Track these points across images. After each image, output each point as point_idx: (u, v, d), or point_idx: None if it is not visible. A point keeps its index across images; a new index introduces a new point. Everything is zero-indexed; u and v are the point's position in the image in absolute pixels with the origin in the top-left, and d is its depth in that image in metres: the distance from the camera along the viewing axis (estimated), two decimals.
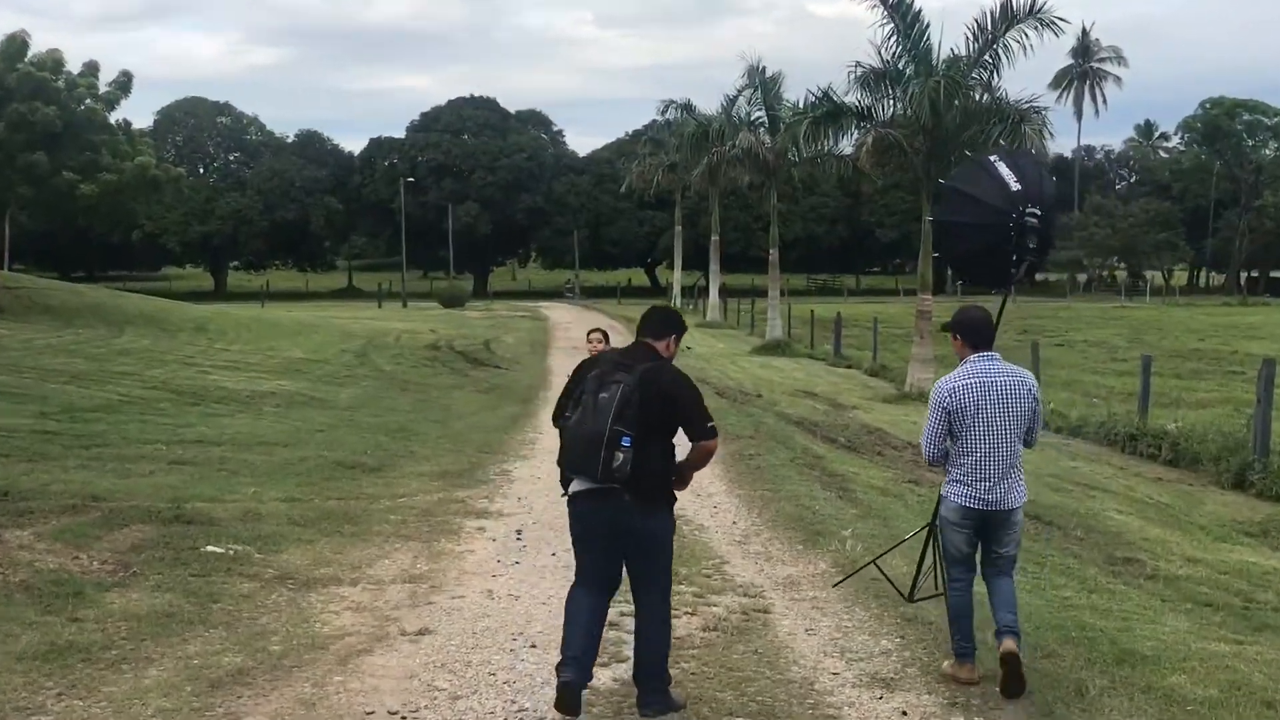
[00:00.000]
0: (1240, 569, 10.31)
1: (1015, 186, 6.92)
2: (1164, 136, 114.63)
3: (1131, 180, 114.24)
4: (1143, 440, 18.24)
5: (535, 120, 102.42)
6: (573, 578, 6.33)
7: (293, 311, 54.11)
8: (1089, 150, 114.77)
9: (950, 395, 6.61)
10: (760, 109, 39.14)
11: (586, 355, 10.47)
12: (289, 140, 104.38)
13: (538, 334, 43.14)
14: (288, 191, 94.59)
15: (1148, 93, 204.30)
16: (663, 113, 54.74)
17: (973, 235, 7.19)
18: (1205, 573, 10.02)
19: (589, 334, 11.08)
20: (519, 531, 10.64)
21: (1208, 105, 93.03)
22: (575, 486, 6.05)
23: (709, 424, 6.04)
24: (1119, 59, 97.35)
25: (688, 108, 51.46)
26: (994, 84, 25.09)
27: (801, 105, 35.17)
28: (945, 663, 6.86)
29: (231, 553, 9.04)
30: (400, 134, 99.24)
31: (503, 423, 18.75)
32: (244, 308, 56.30)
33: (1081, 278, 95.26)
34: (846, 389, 27.27)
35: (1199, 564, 10.40)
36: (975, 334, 6.72)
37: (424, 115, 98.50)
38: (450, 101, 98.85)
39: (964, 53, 24.51)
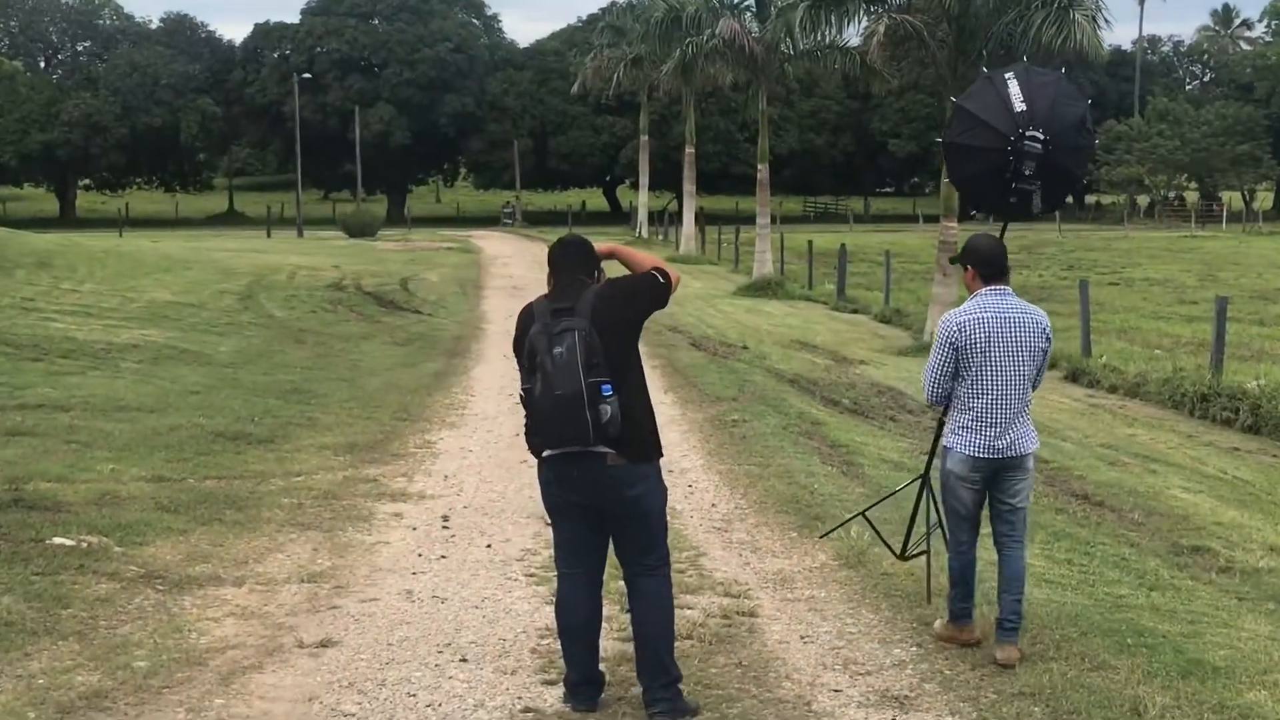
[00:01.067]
0: None
1: (1020, 107, 7.51)
2: (1246, 24, 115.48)
3: (1205, 79, 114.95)
4: (1216, 402, 18.42)
5: (464, 2, 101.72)
6: (517, 574, 6.55)
7: (159, 242, 53.73)
8: (1153, 42, 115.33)
9: (959, 330, 7.24)
10: None
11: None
12: (152, 26, 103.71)
13: (468, 270, 43.09)
14: (152, 91, 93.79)
15: None
16: None
17: (975, 159, 7.82)
18: None
19: None
20: (445, 518, 10.69)
21: None
22: (551, 453, 6.41)
23: (656, 267, 6.76)
24: None
25: None
26: None
27: None
28: (938, 622, 7.54)
29: (85, 545, 9.01)
30: (293, 18, 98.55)
31: (424, 381, 18.78)
32: (97, 237, 55.91)
33: (1143, 200, 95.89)
34: (852, 339, 27.41)
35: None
36: (987, 265, 7.35)
37: None
38: None
39: None
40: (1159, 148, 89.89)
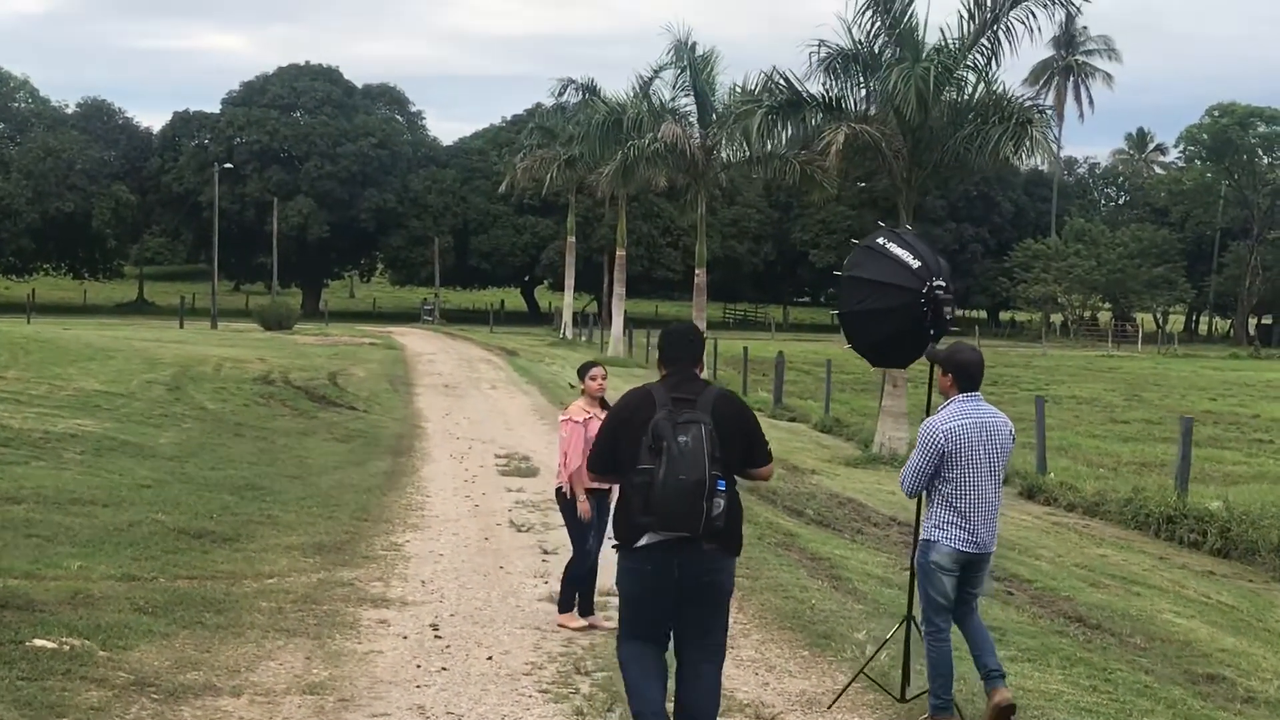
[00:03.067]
0: None
1: (915, 263, 8.34)
2: (1160, 149, 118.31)
3: (1120, 201, 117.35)
4: (1183, 523, 18.38)
5: (388, 97, 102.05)
6: (529, 690, 7.67)
7: (70, 329, 52.66)
8: (1070, 163, 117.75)
9: (946, 437, 7.92)
10: (688, 95, 39.23)
11: (576, 399, 10.35)
12: (69, 110, 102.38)
13: (395, 367, 42.55)
14: (65, 176, 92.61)
15: (1142, 95, 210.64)
16: (559, 94, 54.73)
17: (885, 321, 8.58)
18: None
19: (590, 372, 10.65)
20: (435, 626, 10.29)
21: (1215, 112, 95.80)
22: (655, 538, 6.67)
23: (767, 447, 7.07)
24: (1110, 52, 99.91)
25: (591, 89, 51.44)
26: (991, 75, 25.36)
27: (740, 92, 35.35)
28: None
29: (67, 648, 8.52)
30: (214, 108, 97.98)
31: (376, 481, 18.34)
32: (7, 322, 54.71)
33: (1057, 318, 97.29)
34: (797, 448, 27.21)
35: None
36: (969, 378, 8.08)
37: (246, 85, 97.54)
38: (280, 70, 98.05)
39: (955, 34, 24.71)
40: (1075, 267, 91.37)
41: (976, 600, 8.27)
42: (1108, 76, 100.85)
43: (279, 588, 11.18)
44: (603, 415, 10.29)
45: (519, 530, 14.86)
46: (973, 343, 8.95)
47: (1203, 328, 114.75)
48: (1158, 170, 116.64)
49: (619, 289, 54.51)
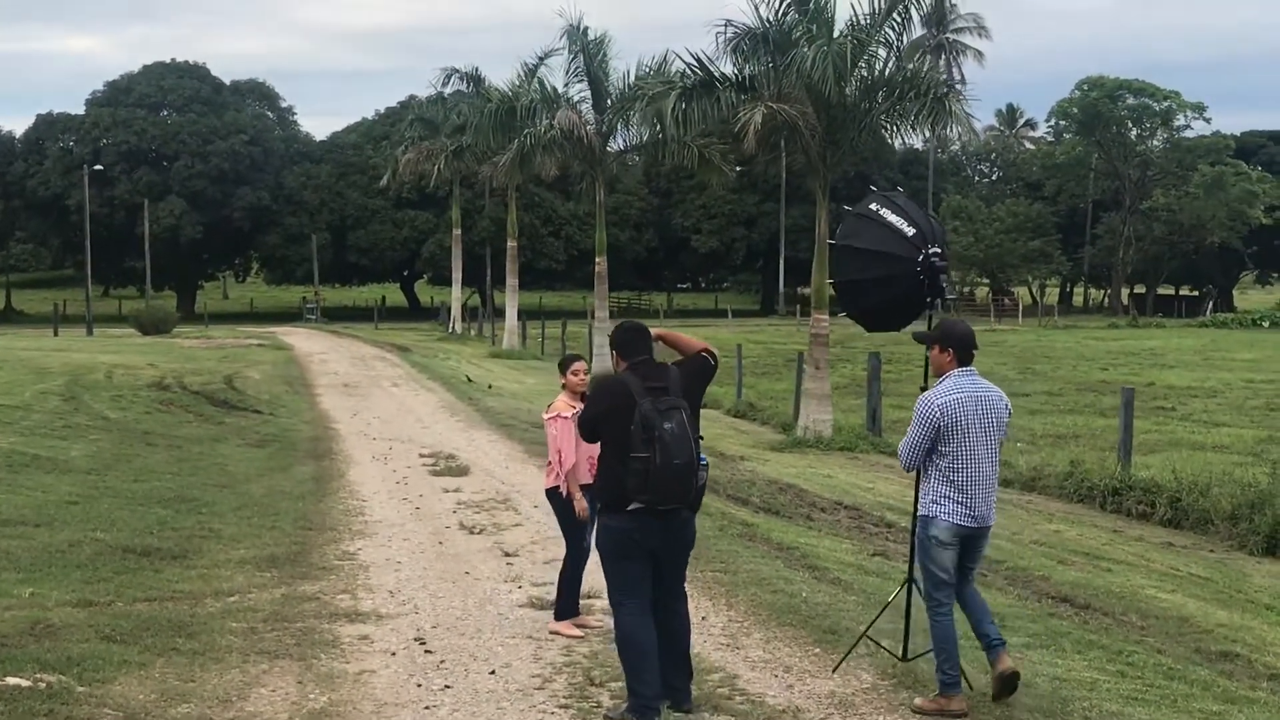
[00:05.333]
0: None
1: (910, 230, 8.42)
2: (1030, 124, 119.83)
3: (994, 178, 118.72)
4: (1130, 495, 18.24)
5: (257, 93, 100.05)
6: (549, 706, 8.02)
7: None
8: (944, 140, 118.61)
9: (942, 411, 7.94)
10: (581, 80, 38.67)
11: (561, 392, 9.89)
12: None
13: (289, 368, 41.55)
14: None
15: (1011, 72, 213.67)
16: (443, 84, 53.84)
17: (882, 289, 8.64)
18: None
19: (573, 366, 10.21)
20: (421, 640, 9.75)
21: (1085, 86, 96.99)
22: (639, 505, 7.55)
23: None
24: (980, 29, 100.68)
25: (476, 79, 50.69)
26: (901, 50, 25.15)
27: (645, 75, 34.94)
28: (918, 700, 8.06)
29: (44, 686, 7.87)
30: (79, 109, 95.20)
31: (306, 487, 17.66)
32: None
33: None
34: (716, 434, 26.81)
35: None
36: (965, 349, 8.11)
37: (110, 85, 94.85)
38: (146, 68, 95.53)
39: (866, 9, 24.41)
40: (954, 244, 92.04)
41: (974, 572, 8.34)
42: (978, 54, 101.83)
43: (243, 606, 10.56)
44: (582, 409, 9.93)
45: (471, 533, 14.31)
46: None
47: (1078, 299, 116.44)
48: (1028, 146, 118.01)
49: (511, 280, 53.80)
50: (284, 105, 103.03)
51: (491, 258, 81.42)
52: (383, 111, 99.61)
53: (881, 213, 8.59)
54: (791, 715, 7.94)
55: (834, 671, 8.71)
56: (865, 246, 8.62)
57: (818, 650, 9.37)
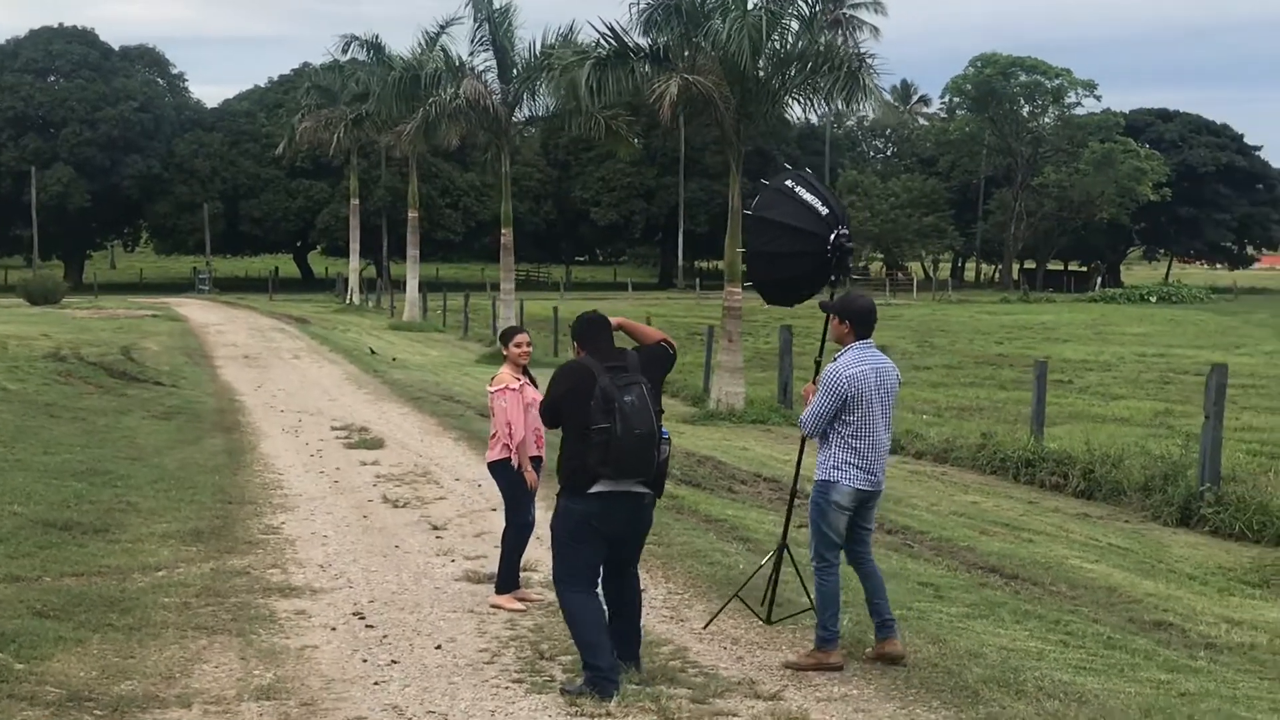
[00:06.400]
0: None
1: (824, 210, 8.64)
2: (924, 100, 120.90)
3: (888, 153, 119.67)
4: (1043, 467, 18.45)
5: (147, 59, 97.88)
6: (502, 681, 7.98)
7: None
8: (839, 115, 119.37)
9: (849, 382, 8.23)
10: (487, 50, 38.26)
11: (505, 365, 9.74)
12: None
13: (186, 339, 40.87)
14: None
15: (905, 48, 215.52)
16: (343, 51, 53.04)
17: (793, 264, 8.88)
18: (1262, 639, 9.92)
19: (515, 339, 10.15)
20: (360, 615, 9.60)
21: (979, 63, 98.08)
22: (605, 486, 7.61)
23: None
24: (875, 5, 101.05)
25: (377, 46, 50.05)
26: (815, 23, 25.17)
27: (554, 45, 34.69)
28: (792, 656, 8.45)
29: None
30: None
31: (219, 460, 17.35)
32: None
33: None
34: None
35: (1241, 626, 10.32)
36: (866, 324, 8.39)
37: None
38: (33, 33, 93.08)
39: None
40: (851, 219, 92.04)
41: (870, 537, 8.61)
42: (874, 29, 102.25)
43: (173, 581, 10.35)
44: (528, 382, 9.86)
45: (396, 506, 14.14)
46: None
47: (969, 274, 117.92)
48: (921, 122, 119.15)
49: (412, 251, 53.29)
50: (175, 72, 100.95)
51: (388, 228, 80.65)
52: (276, 79, 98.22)
53: (797, 190, 8.79)
54: (747, 686, 7.90)
55: (704, 628, 9.12)
56: (781, 220, 8.81)
57: (758, 621, 9.35)
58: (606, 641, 7.68)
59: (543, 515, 12.03)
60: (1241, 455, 19.43)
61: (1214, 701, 7.62)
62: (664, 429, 7.72)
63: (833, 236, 8.57)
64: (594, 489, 7.59)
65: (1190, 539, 14.91)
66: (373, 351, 36.04)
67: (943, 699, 7.61)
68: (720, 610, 9.15)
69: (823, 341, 8.88)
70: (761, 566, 9.22)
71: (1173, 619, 10.36)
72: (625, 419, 7.44)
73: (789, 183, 8.96)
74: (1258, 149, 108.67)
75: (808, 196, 8.73)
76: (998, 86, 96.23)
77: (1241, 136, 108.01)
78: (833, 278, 8.79)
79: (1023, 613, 10.09)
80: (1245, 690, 8.11)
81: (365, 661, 8.42)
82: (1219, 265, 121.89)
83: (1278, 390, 33.13)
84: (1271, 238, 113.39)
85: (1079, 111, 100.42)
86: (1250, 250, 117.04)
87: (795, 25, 25.04)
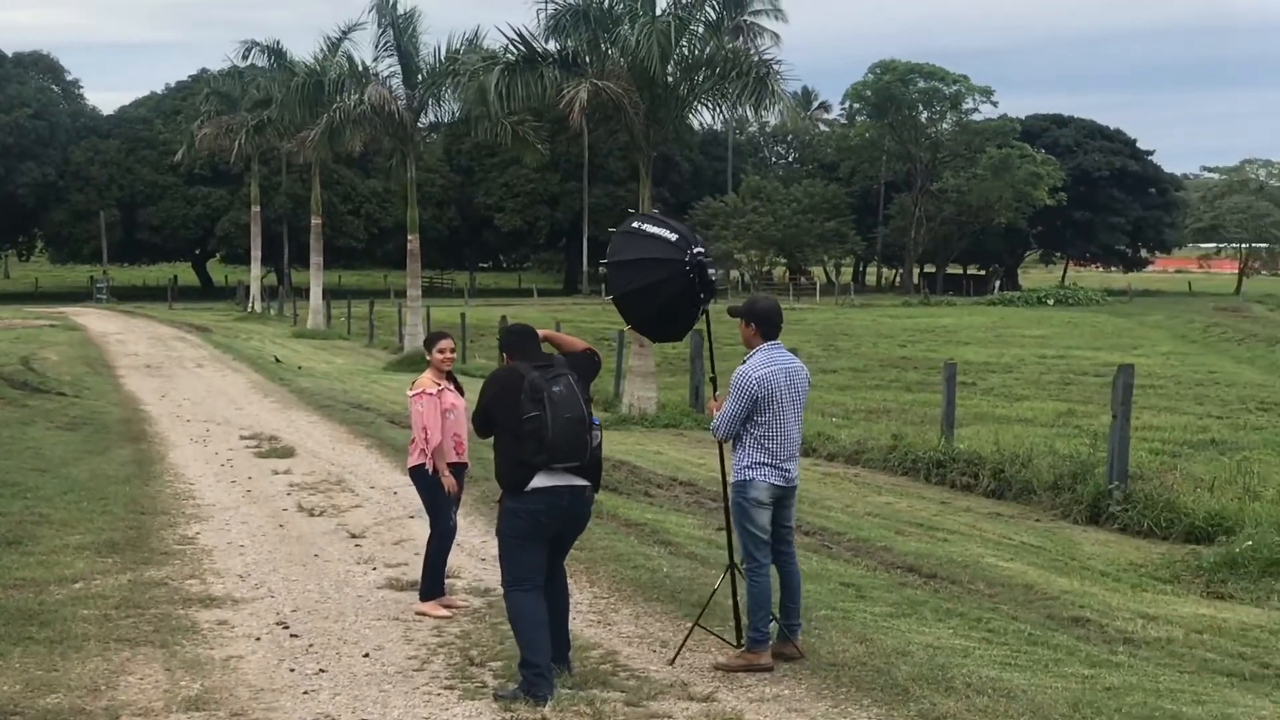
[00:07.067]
0: (1210, 625, 10.47)
1: (673, 236, 8.71)
2: (825, 106, 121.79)
3: (790, 159, 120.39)
4: (953, 467, 18.67)
5: (41, 65, 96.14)
6: (433, 688, 7.95)
7: None
8: (741, 122, 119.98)
9: (759, 383, 8.42)
10: (391, 55, 38.03)
11: (427, 370, 9.75)
12: None
13: (86, 349, 40.22)
14: None
15: (805, 55, 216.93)
16: (243, 57, 52.45)
17: (657, 294, 8.82)
18: (1178, 633, 10.10)
19: (439, 344, 10.17)
20: (284, 625, 9.52)
21: (878, 70, 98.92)
22: (545, 481, 7.80)
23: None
24: (776, 12, 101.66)
25: (278, 52, 49.59)
26: (721, 28, 25.31)
27: (459, 50, 34.62)
28: (722, 658, 8.51)
29: None
30: None
31: (128, 470, 17.10)
32: None
33: (734, 275, 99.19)
34: None
35: (1156, 621, 10.48)
36: (769, 324, 8.62)
37: None
38: None
39: None
40: (754, 224, 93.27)
41: (792, 535, 8.78)
42: (775, 36, 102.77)
43: (91, 592, 10.20)
44: (449, 387, 9.87)
45: (312, 515, 14.03)
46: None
47: (870, 278, 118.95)
48: (822, 128, 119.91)
49: (316, 258, 52.85)
50: (69, 78, 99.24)
51: (290, 235, 79.88)
52: (174, 85, 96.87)
53: (645, 227, 8.91)
54: (680, 689, 7.94)
55: (670, 663, 8.53)
56: (637, 257, 8.87)
57: (686, 622, 9.36)
58: (545, 636, 7.76)
59: (464, 522, 12.03)
60: (1144, 454, 19.83)
61: (1139, 695, 7.74)
62: (595, 418, 7.95)
63: (687, 256, 8.58)
64: (534, 484, 7.75)
65: (1100, 536, 15.16)
66: (277, 360, 35.69)
67: (874, 697, 7.69)
68: (684, 642, 8.79)
69: (711, 353, 9.10)
70: (715, 591, 9.09)
71: (1090, 615, 10.51)
72: (554, 405, 7.63)
73: (635, 224, 9.07)
74: (1150, 154, 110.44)
75: (654, 230, 8.84)
76: (896, 93, 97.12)
77: (1135, 142, 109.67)
78: (701, 295, 8.70)
79: (944, 611, 10.20)
80: (1167, 683, 8.25)
81: (293, 671, 8.35)
82: (1114, 268, 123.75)
83: (1176, 390, 33.87)
84: (1165, 241, 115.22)
85: (976, 118, 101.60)
86: (1144, 253, 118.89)
87: (701, 30, 25.15)
